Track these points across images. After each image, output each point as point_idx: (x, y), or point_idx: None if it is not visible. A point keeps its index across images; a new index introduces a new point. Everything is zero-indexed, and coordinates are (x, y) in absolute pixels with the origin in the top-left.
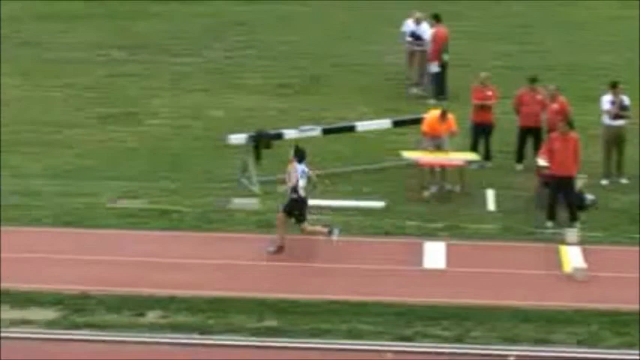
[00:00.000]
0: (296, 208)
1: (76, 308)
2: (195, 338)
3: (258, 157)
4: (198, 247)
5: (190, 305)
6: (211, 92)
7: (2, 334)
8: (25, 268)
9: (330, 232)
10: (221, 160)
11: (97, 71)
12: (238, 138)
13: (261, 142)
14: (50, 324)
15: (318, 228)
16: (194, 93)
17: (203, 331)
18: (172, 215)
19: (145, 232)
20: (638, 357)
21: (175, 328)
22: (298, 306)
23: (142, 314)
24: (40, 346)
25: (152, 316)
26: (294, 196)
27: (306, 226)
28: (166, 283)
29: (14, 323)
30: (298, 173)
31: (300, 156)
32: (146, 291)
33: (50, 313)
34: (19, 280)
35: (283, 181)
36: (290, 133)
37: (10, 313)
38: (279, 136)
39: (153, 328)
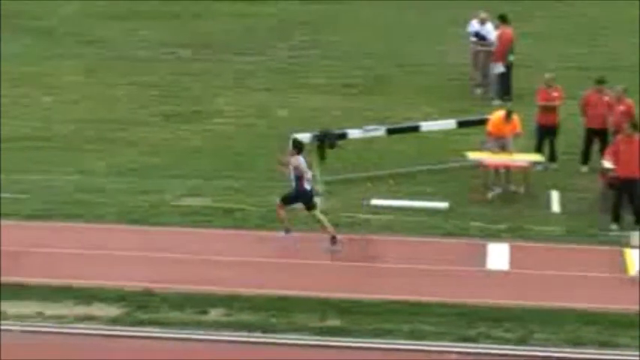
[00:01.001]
0: (304, 198)
1: (140, 305)
2: (258, 337)
3: (322, 156)
4: (261, 245)
5: (253, 304)
6: (275, 91)
7: (67, 330)
8: (89, 265)
9: (286, 231)
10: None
11: (161, 70)
12: (303, 137)
13: (326, 141)
14: (113, 321)
15: (286, 222)
16: (258, 92)
17: (266, 329)
18: (236, 214)
19: (209, 231)
20: (638, 357)
21: (238, 326)
22: (361, 306)
23: (204, 312)
24: (103, 343)
25: (215, 314)
26: (307, 187)
27: (283, 209)
28: (229, 281)
29: (78, 319)
30: (303, 165)
31: (299, 148)
32: (209, 289)
33: (113, 310)
34: (82, 276)
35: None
36: (354, 133)
37: (73, 310)
38: (344, 136)
39: (216, 326)
